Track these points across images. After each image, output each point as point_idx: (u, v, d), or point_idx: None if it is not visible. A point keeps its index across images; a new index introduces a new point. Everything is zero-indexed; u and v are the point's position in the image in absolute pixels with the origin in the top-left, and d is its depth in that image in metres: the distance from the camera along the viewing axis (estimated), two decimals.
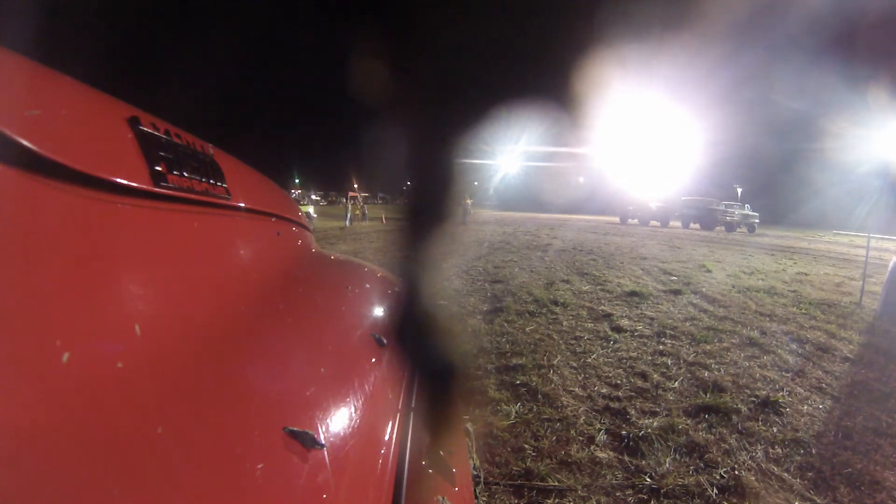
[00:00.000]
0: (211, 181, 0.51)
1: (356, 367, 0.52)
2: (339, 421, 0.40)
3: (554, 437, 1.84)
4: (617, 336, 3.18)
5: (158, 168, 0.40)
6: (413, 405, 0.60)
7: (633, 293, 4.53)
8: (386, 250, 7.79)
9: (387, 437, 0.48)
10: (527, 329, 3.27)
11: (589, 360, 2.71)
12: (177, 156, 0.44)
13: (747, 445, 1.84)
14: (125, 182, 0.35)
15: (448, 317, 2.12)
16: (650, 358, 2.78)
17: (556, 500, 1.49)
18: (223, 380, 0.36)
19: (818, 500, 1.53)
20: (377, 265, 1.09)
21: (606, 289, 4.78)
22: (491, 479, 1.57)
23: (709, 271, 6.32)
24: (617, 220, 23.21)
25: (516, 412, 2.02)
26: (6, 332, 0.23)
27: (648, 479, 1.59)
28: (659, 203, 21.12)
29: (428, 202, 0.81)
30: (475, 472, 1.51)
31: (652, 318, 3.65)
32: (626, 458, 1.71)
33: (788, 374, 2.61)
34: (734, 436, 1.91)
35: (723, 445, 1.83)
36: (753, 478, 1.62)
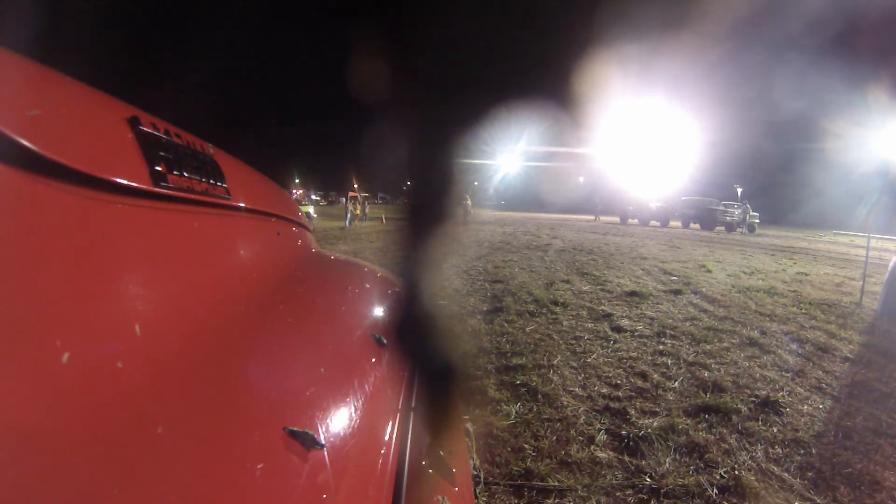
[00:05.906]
0: (211, 181, 0.51)
1: (356, 367, 0.52)
2: (339, 421, 0.40)
3: (554, 437, 1.84)
4: (617, 336, 3.18)
5: (158, 168, 0.40)
6: (413, 405, 0.60)
7: (633, 293, 4.53)
8: (386, 250, 7.79)
9: (387, 437, 0.48)
10: (527, 329, 3.27)
11: (589, 360, 2.71)
12: (177, 156, 0.44)
13: (747, 445, 1.84)
14: (125, 182, 0.35)
15: (448, 317, 2.12)
16: (650, 358, 2.78)
17: (556, 500, 1.49)
18: (223, 380, 0.36)
19: (818, 500, 1.53)
20: (377, 265, 1.09)
21: (606, 289, 4.78)
22: (491, 479, 1.57)
23: (709, 271, 6.32)
24: (617, 219, 23.21)
25: (516, 412, 2.02)
26: (6, 332, 0.23)
27: (648, 479, 1.59)
28: (659, 203, 21.10)
29: (428, 202, 0.81)
30: (475, 472, 1.51)
31: (652, 318, 3.65)
32: (626, 458, 1.71)
33: (788, 374, 2.61)
34: (734, 436, 1.91)
35: (723, 445, 1.83)
36: (753, 478, 1.62)
